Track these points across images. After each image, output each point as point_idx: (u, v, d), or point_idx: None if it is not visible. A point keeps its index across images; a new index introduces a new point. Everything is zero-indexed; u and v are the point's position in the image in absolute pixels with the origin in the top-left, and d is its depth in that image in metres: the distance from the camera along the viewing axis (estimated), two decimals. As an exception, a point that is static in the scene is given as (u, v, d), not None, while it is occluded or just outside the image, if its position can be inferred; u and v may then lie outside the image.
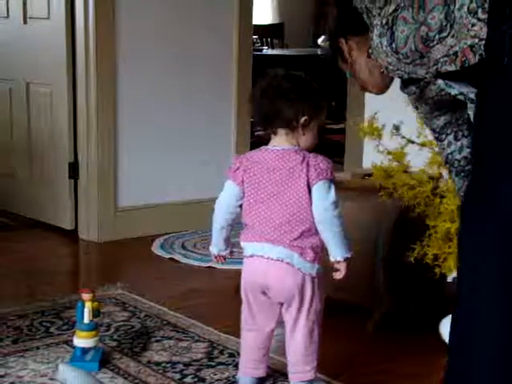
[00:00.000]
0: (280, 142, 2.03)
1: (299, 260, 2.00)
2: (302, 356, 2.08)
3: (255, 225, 2.04)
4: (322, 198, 1.98)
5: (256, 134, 6.54)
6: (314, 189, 1.98)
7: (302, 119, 2.01)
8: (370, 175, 2.64)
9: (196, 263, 3.37)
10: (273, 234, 2.01)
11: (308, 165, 1.99)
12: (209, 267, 3.32)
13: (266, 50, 6.66)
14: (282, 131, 2.02)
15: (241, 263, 3.45)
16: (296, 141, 2.03)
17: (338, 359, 2.37)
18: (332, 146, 5.68)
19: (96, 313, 2.28)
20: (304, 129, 2.02)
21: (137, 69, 3.72)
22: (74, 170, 3.76)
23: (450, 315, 2.38)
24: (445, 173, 2.37)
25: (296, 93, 2.01)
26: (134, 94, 3.72)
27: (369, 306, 2.63)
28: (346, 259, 2.01)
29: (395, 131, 2.37)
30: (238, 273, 3.27)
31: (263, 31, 7.20)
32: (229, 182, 2.09)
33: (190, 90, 3.89)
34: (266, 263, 2.03)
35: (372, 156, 2.79)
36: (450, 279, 2.36)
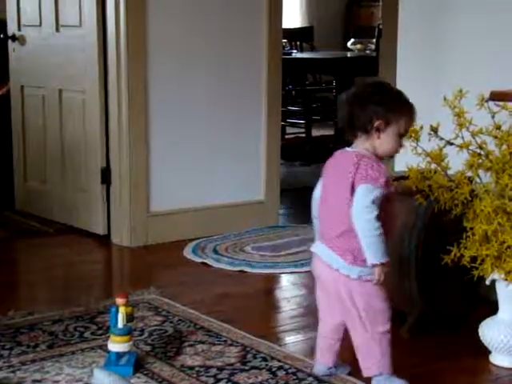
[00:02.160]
0: (357, 145, 2.11)
1: (338, 261, 2.10)
2: (359, 354, 2.16)
3: (319, 222, 2.19)
4: (358, 201, 2.04)
5: (286, 137, 6.56)
6: (356, 191, 2.05)
7: (376, 123, 2.06)
8: (400, 178, 2.62)
9: (228, 267, 3.37)
10: (324, 230, 2.15)
11: (358, 167, 2.04)
12: (240, 271, 3.32)
13: (296, 54, 6.64)
14: (360, 135, 2.09)
15: (271, 267, 3.46)
16: (372, 145, 2.09)
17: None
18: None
19: (130, 317, 2.29)
20: (379, 133, 2.07)
21: (168, 74, 3.73)
22: (106, 175, 3.79)
23: (489, 319, 2.37)
24: (482, 174, 2.35)
25: (371, 97, 2.07)
26: (166, 99, 3.74)
27: (401, 309, 2.61)
28: (374, 265, 2.05)
29: (433, 133, 2.35)
30: (269, 277, 3.29)
31: (292, 35, 7.19)
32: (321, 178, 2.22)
33: (220, 94, 3.89)
34: (319, 263, 2.17)
35: (403, 159, 2.77)
36: (487, 282, 2.33)
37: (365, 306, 2.12)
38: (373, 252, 2.04)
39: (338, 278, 2.11)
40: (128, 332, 2.28)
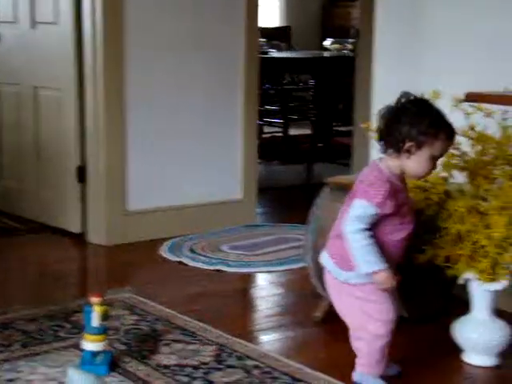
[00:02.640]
0: (386, 158, 2.09)
1: (329, 263, 2.16)
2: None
3: None
4: (350, 211, 2.07)
5: (263, 136, 6.57)
6: (353, 201, 2.08)
7: (407, 145, 2.04)
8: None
9: (204, 266, 3.37)
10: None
11: (363, 180, 2.08)
12: (217, 270, 3.32)
13: (273, 53, 6.65)
14: (391, 152, 2.07)
15: (248, 266, 3.46)
16: (401, 164, 2.07)
17: (347, 362, 2.35)
18: (339, 149, 5.69)
19: (104, 316, 2.28)
20: (409, 155, 2.05)
21: (145, 71, 3.72)
22: (82, 173, 3.77)
23: (462, 317, 2.39)
24: (457, 175, 2.37)
25: (408, 117, 2.04)
26: (142, 97, 3.72)
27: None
28: (368, 274, 2.07)
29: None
30: (246, 276, 3.29)
31: (270, 34, 7.20)
32: None
33: (197, 93, 3.89)
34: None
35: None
36: (461, 281, 2.35)
37: (352, 308, 2.15)
38: (360, 261, 2.07)
39: (329, 279, 2.18)
40: (103, 331, 2.27)
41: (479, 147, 2.33)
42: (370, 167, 2.13)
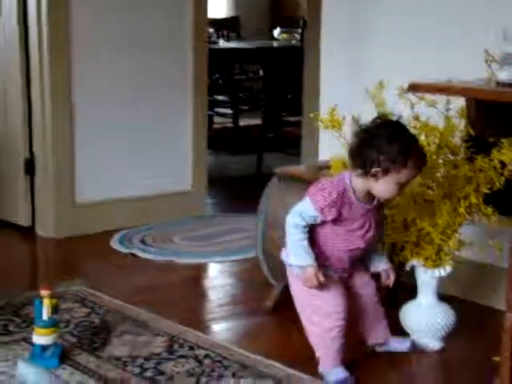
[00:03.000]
0: (353, 176, 2.10)
1: (284, 254, 2.21)
2: None
3: None
4: (296, 205, 2.11)
5: (213, 126, 6.56)
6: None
7: (374, 169, 2.04)
8: (324, 168, 2.67)
9: (155, 258, 3.37)
10: None
11: (320, 182, 2.13)
12: (168, 261, 3.32)
13: (223, 43, 6.64)
14: (358, 171, 2.08)
15: (199, 256, 3.47)
16: (366, 185, 2.08)
17: (298, 349, 2.37)
18: (289, 139, 5.73)
19: (55, 309, 2.27)
20: (376, 178, 2.05)
21: (92, 62, 3.68)
22: (30, 165, 3.72)
23: (409, 302, 2.45)
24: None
25: (379, 141, 2.03)
26: (90, 87, 3.69)
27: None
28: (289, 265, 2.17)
29: (355, 123, 2.40)
30: (197, 266, 3.30)
31: (219, 24, 7.19)
32: None
33: (145, 84, 3.87)
34: None
35: (328, 148, 2.82)
36: (407, 267, 2.41)
37: (295, 297, 2.22)
38: (291, 252, 2.13)
39: (287, 271, 2.22)
40: (53, 324, 2.26)
41: (423, 137, 2.38)
42: (341, 172, 2.17)
